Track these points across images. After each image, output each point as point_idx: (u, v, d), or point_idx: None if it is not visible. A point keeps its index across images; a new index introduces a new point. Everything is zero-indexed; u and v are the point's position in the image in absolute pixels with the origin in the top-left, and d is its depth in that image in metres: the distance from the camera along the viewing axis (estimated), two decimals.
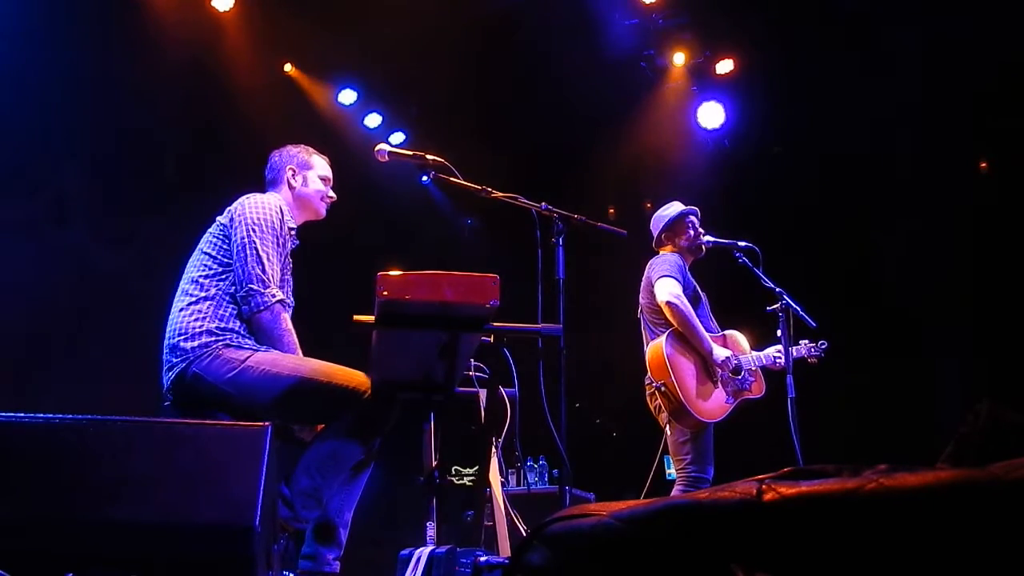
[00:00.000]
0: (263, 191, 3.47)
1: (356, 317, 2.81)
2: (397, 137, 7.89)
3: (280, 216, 3.28)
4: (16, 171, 5.84)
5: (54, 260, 5.96)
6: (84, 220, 6.15)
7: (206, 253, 3.25)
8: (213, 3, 6.62)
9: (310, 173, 3.54)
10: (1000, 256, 7.06)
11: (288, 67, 7.46)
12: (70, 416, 2.36)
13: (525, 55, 7.26)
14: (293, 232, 3.39)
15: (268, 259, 3.17)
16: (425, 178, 7.97)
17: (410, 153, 3.57)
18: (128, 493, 2.26)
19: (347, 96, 7.66)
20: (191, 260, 3.30)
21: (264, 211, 3.24)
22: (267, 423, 2.43)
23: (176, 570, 2.24)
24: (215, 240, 3.26)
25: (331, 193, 3.60)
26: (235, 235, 3.20)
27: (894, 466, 1.20)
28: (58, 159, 6.16)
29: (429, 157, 3.50)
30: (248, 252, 3.15)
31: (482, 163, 4.14)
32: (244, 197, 3.32)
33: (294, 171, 3.51)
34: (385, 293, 2.56)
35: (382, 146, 3.52)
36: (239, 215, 3.23)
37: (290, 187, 3.49)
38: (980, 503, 1.11)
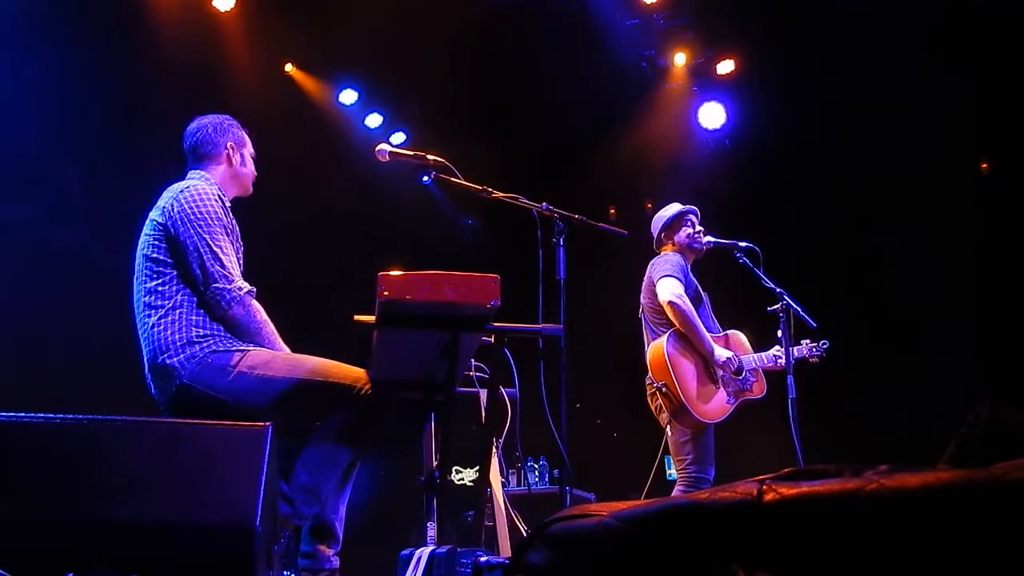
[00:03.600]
0: (186, 164, 3.39)
1: (357, 317, 2.82)
2: (398, 137, 7.89)
3: (220, 203, 3.16)
4: (16, 171, 5.83)
5: (54, 260, 5.96)
6: (84, 220, 6.15)
7: (152, 259, 3.10)
8: (214, 3, 6.62)
9: (245, 151, 3.45)
10: (1000, 256, 7.06)
11: (289, 67, 7.46)
12: (70, 416, 2.36)
13: (526, 55, 7.26)
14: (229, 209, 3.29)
15: (224, 252, 3.07)
16: (426, 178, 7.97)
17: (411, 153, 3.56)
18: (128, 493, 2.26)
19: (348, 96, 7.66)
20: (137, 268, 3.16)
21: (204, 204, 3.11)
22: (268, 423, 2.43)
23: (176, 570, 2.24)
24: (156, 243, 3.11)
25: (255, 171, 3.52)
26: (180, 235, 3.06)
27: (895, 466, 1.20)
28: (58, 159, 6.16)
29: (430, 157, 3.48)
30: (202, 252, 3.04)
31: (483, 163, 4.14)
32: (176, 190, 3.17)
33: (233, 147, 3.40)
34: (386, 293, 2.56)
35: (383, 146, 3.50)
36: (179, 213, 3.09)
37: (229, 163, 3.39)
38: (981, 504, 1.11)
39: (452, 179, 3.49)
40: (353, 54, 7.40)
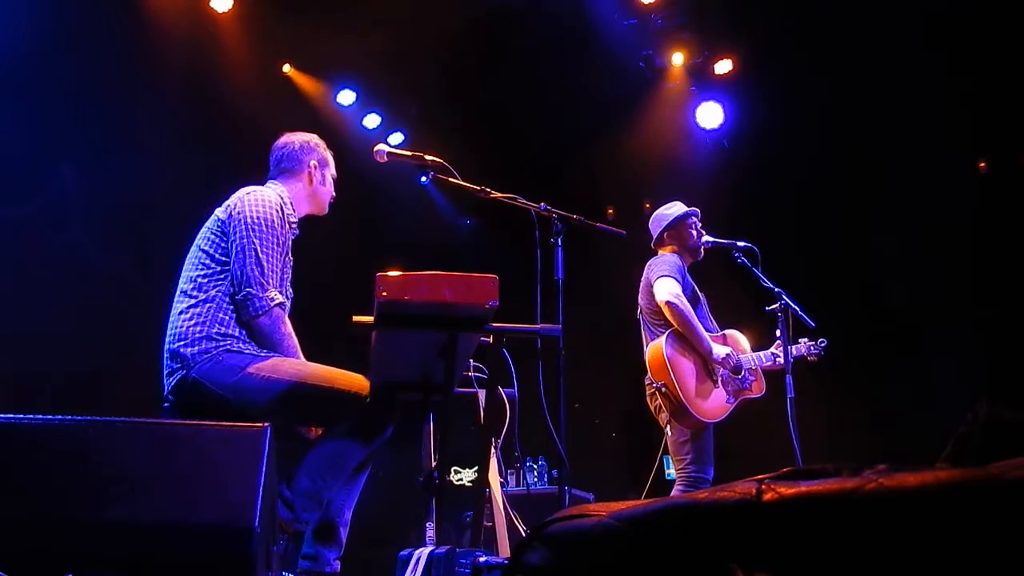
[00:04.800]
0: (266, 175, 3.49)
1: (355, 318, 2.81)
2: (396, 137, 7.89)
3: (280, 214, 3.26)
4: (15, 171, 5.83)
5: (54, 260, 5.95)
6: (84, 220, 6.15)
7: (204, 251, 3.21)
8: (212, 4, 6.62)
9: (327, 172, 3.58)
10: (999, 256, 7.06)
11: (287, 67, 7.46)
12: (69, 416, 2.36)
13: (524, 55, 7.26)
14: (294, 224, 3.39)
15: (267, 260, 3.15)
16: (424, 178, 7.98)
17: (409, 154, 3.57)
18: (127, 494, 2.26)
19: (346, 96, 7.67)
20: (189, 256, 3.27)
21: (264, 209, 3.21)
22: (267, 424, 2.43)
23: (175, 571, 2.24)
24: (213, 237, 3.22)
25: (334, 192, 3.65)
26: (234, 234, 3.17)
27: (894, 466, 1.20)
28: (57, 159, 6.15)
29: (428, 157, 3.50)
30: (247, 254, 3.13)
31: (481, 163, 4.14)
32: (244, 192, 3.29)
33: (316, 166, 3.52)
34: (384, 293, 2.55)
35: (381, 146, 3.52)
36: (238, 213, 3.20)
37: (309, 181, 3.50)
38: (979, 503, 1.11)
39: (450, 179, 3.49)
40: (351, 55, 7.39)
